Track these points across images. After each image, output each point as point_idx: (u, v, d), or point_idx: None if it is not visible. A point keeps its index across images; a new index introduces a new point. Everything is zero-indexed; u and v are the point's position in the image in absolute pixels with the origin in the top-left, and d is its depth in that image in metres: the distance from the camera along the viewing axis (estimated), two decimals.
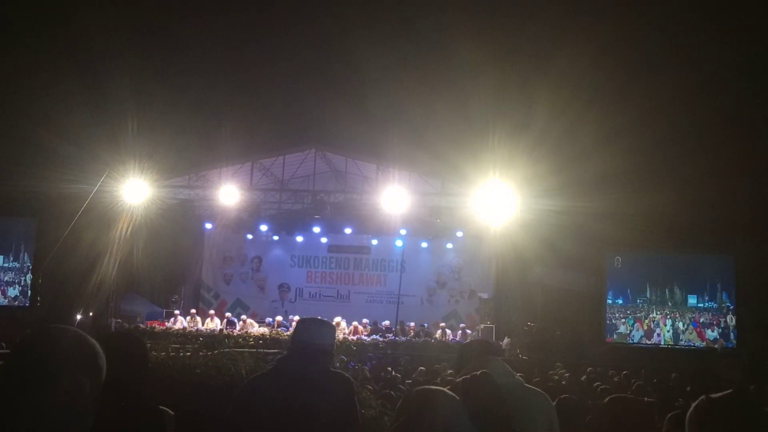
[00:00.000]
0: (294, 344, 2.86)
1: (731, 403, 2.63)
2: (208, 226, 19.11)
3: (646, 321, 17.62)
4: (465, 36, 16.73)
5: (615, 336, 17.67)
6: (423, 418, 1.88)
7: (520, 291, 17.66)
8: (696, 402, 2.71)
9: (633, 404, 2.60)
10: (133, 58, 16.53)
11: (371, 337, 15.92)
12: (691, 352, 16.73)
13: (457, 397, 2.03)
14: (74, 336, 1.44)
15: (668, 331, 17.49)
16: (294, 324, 16.84)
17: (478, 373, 2.30)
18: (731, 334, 17.17)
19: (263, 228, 19.11)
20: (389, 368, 10.51)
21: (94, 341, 1.47)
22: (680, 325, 17.46)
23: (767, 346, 15.58)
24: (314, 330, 2.84)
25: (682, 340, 17.40)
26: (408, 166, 17.43)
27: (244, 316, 17.27)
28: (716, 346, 17.07)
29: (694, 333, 17.37)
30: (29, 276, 18.54)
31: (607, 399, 2.55)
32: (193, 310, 17.69)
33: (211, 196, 17.83)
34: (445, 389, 2.10)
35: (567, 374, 10.16)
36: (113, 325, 16.34)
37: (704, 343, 17.22)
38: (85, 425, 1.34)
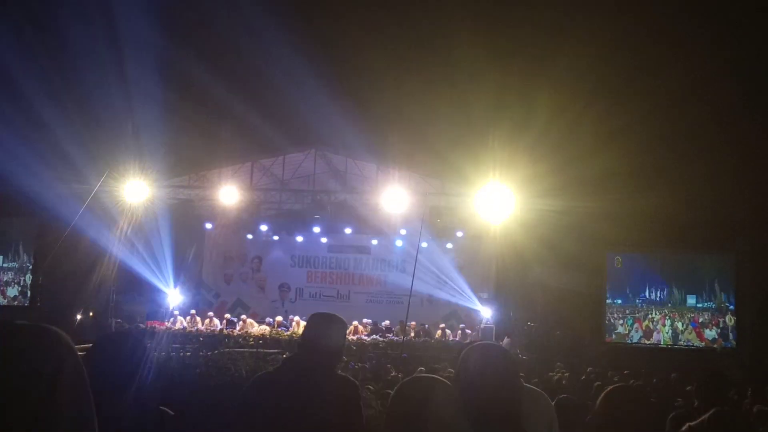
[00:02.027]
0: (302, 342, 2.86)
1: (714, 427, 2.62)
2: (208, 226, 19.10)
3: (646, 321, 17.62)
4: (465, 36, 16.72)
5: (614, 336, 17.67)
6: (417, 405, 1.88)
7: (520, 291, 17.66)
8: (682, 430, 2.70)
9: (633, 393, 2.57)
10: (133, 57, 16.53)
11: (371, 337, 15.93)
12: (691, 352, 16.74)
13: (450, 384, 2.03)
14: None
15: (667, 332, 17.49)
16: (294, 322, 16.86)
17: (477, 343, 2.29)
18: (730, 334, 17.17)
19: (263, 228, 19.09)
20: (389, 367, 10.52)
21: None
22: (679, 325, 17.46)
23: (767, 346, 15.58)
24: (322, 329, 2.83)
25: (681, 340, 17.40)
26: (408, 166, 17.43)
27: (244, 316, 17.27)
28: (715, 346, 17.08)
29: (693, 333, 17.37)
30: (29, 276, 18.54)
31: (609, 388, 2.51)
32: (193, 311, 17.69)
33: (211, 196, 17.84)
34: (438, 376, 2.11)
35: (567, 374, 10.17)
36: (113, 325, 16.35)
37: (703, 343, 17.23)
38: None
